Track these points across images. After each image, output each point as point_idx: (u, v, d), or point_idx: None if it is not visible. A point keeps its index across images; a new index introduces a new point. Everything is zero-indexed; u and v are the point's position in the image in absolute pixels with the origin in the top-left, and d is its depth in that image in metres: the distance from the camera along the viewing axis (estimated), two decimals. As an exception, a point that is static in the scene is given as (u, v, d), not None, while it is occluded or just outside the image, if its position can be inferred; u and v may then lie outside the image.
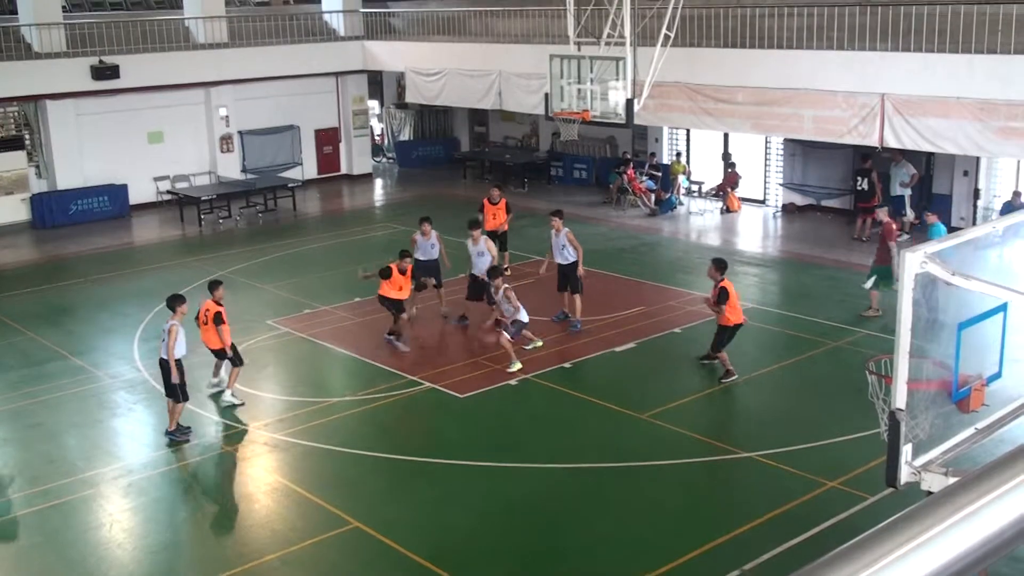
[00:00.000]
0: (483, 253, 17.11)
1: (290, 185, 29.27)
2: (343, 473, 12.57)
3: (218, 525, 11.35)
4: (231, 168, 30.93)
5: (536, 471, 12.32)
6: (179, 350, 13.35)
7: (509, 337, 15.18)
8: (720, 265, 14.88)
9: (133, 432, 14.24)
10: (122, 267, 23.38)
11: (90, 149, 28.55)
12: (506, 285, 15.27)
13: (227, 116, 30.82)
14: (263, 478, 12.53)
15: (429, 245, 17.94)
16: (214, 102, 30.55)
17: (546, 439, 13.25)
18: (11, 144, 28.14)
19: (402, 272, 16.48)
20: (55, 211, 28.01)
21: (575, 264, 17.00)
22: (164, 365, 13.42)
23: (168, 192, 29.40)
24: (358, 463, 12.69)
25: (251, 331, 17.70)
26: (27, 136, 28.65)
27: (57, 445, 13.62)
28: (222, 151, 30.88)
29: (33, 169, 28.45)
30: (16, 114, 28.79)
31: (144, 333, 18.10)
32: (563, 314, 17.50)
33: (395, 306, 16.53)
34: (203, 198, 27.72)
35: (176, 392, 13.37)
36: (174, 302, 13.72)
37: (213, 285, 14.86)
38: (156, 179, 29.77)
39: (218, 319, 14.31)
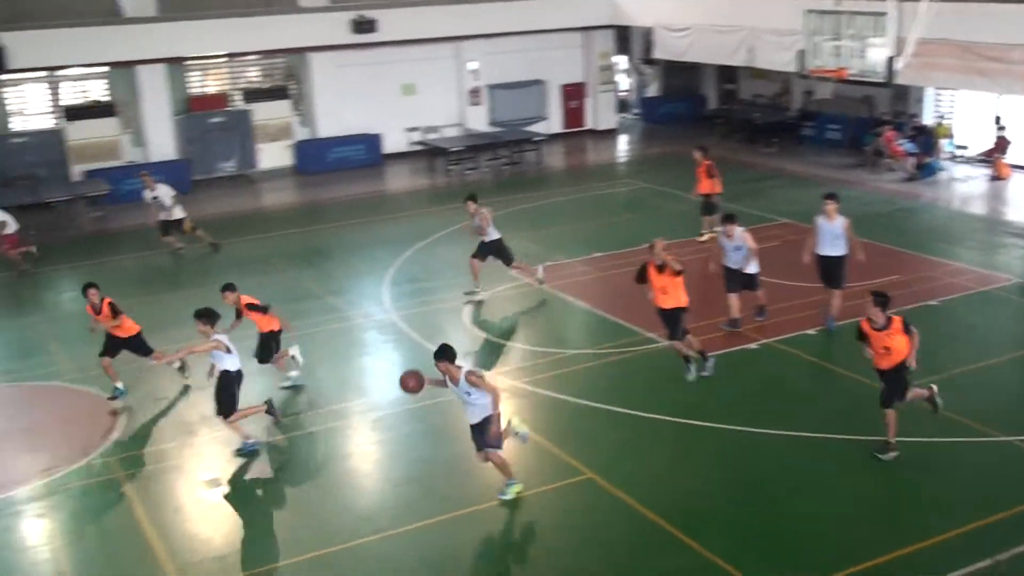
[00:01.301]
0: (740, 248, 14.76)
1: (535, 139, 29.62)
2: (578, 424, 12.66)
3: (457, 465, 11.70)
4: (479, 121, 31.60)
5: (773, 438, 11.98)
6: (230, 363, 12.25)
7: (494, 450, 10.66)
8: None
9: (382, 370, 14.88)
10: (374, 213, 24.41)
11: (348, 100, 29.86)
12: (468, 368, 10.39)
13: (476, 70, 31.46)
14: (501, 423, 12.80)
15: (733, 248, 14.85)
16: (464, 56, 31.26)
17: (785, 406, 12.85)
18: (277, 94, 29.85)
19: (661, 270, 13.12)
20: (315, 158, 29.57)
21: (842, 258, 14.81)
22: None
23: (419, 143, 30.37)
24: (593, 416, 12.76)
25: (494, 281, 18.07)
26: (292, 87, 30.29)
27: (311, 377, 14.42)
28: (471, 104, 31.59)
29: (297, 118, 30.10)
30: (283, 66, 30.45)
31: (394, 277, 18.85)
32: (831, 322, 15.09)
33: (671, 319, 13.32)
34: (451, 149, 28.50)
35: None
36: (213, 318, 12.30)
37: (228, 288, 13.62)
38: (408, 130, 30.81)
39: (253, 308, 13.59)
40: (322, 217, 24.72)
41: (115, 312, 13.78)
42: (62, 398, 14.20)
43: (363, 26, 28.40)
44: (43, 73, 27.48)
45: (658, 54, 30.73)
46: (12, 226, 20.63)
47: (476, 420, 10.47)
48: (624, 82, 37.41)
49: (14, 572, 10.02)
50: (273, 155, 29.57)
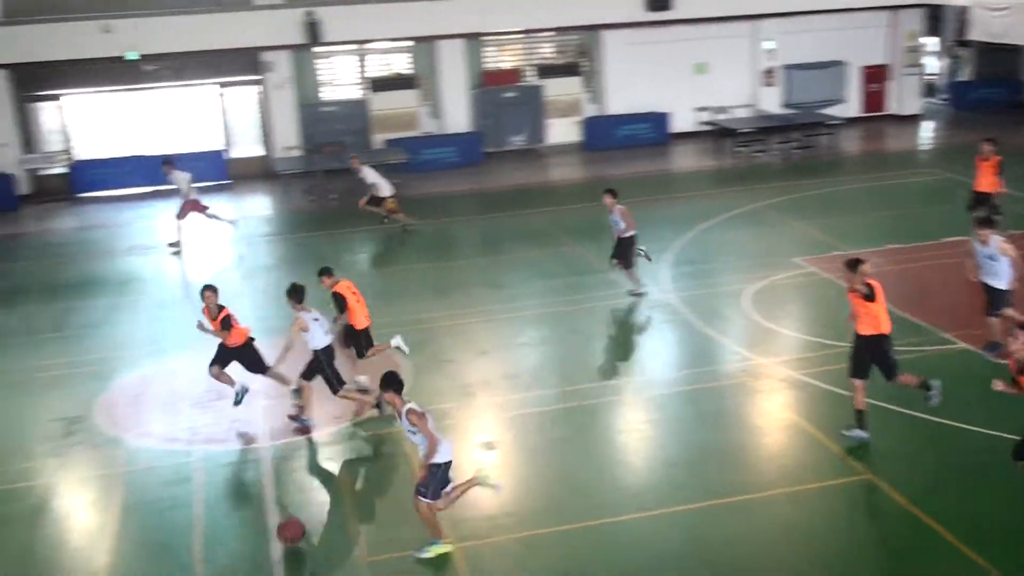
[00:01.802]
0: (994, 257, 12.94)
1: (831, 122, 28.42)
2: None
3: (730, 452, 11.47)
4: (771, 102, 30.71)
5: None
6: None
7: (427, 501, 9.56)
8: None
9: (659, 350, 14.82)
10: (658, 192, 24.29)
11: (638, 78, 29.82)
12: (411, 404, 9.55)
13: (772, 49, 30.54)
14: (777, 413, 12.44)
15: (986, 256, 13.11)
16: (760, 35, 30.42)
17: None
18: (569, 70, 30.26)
19: None
20: (603, 134, 29.78)
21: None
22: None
23: (707, 123, 29.90)
24: (877, 415, 12.12)
25: (775, 267, 17.54)
26: (583, 63, 30.60)
27: (591, 351, 14.59)
28: (764, 84, 30.73)
29: (587, 94, 30.40)
30: (576, 42, 30.80)
31: (674, 258, 18.69)
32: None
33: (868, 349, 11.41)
34: (741, 130, 27.86)
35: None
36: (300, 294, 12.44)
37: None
38: (697, 109, 30.39)
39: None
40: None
41: (226, 325, 12.70)
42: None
43: (658, 4, 28.27)
44: (353, 46, 29.19)
45: (974, 35, 28.67)
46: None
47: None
48: (932, 65, 35.18)
49: (303, 506, 10.77)
50: (561, 131, 30.05)
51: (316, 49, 28.33)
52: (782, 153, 27.72)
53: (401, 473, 11.33)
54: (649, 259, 17.07)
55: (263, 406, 13.19)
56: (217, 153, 28.25)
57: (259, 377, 13.04)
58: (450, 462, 9.60)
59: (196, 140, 28.68)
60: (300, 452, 12.03)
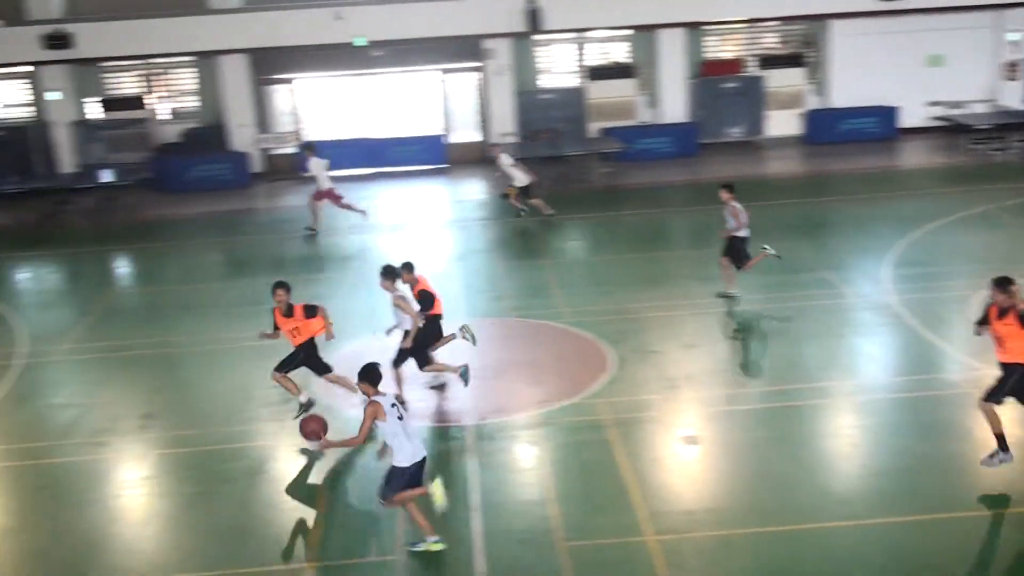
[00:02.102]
0: None
1: (1081, 120, 26.46)
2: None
3: (947, 464, 10.85)
4: (1013, 97, 28.82)
5: None
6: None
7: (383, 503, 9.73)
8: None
9: (875, 353, 14.19)
10: (883, 189, 23.27)
11: (866, 70, 28.62)
12: (377, 398, 9.42)
13: (1017, 41, 28.64)
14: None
15: None
16: (1005, 26, 28.58)
17: None
18: (792, 61, 29.36)
19: None
20: (826, 128, 28.79)
21: None
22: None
23: (940, 118, 28.36)
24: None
25: (1008, 274, 16.43)
26: (808, 54, 29.61)
27: (801, 351, 14.13)
28: (1006, 78, 28.88)
29: (810, 86, 29.43)
30: (801, 32, 29.84)
31: (897, 258, 17.85)
32: None
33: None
34: (977, 126, 26.29)
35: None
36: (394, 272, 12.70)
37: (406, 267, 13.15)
38: (929, 104, 28.88)
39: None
40: (827, 189, 24.03)
41: (310, 312, 12.41)
42: (561, 338, 15.15)
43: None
44: (572, 35, 29.32)
45: None
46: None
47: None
48: None
49: (504, 486, 10.91)
50: (782, 123, 29.23)
51: (536, 37, 28.64)
52: (1023, 152, 25.98)
53: (603, 461, 11.30)
54: (779, 257, 16.39)
55: (470, 386, 13.45)
56: (436, 138, 29.03)
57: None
58: (416, 464, 9.42)
59: (417, 124, 29.58)
60: (504, 432, 12.20)
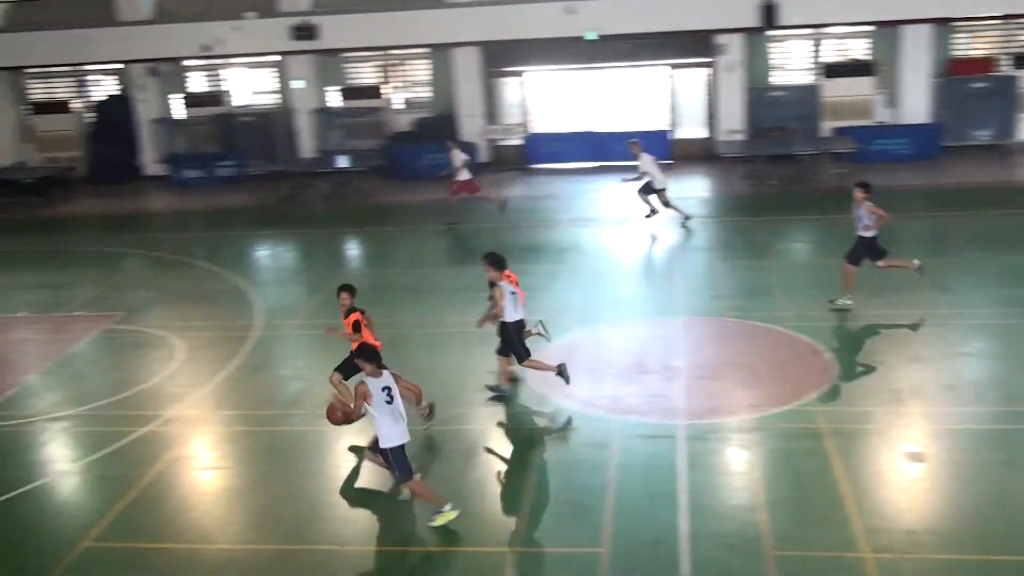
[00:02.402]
0: None
1: None
2: None
3: None
4: None
5: None
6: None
7: (407, 484, 10.40)
8: None
9: None
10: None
11: None
12: (368, 380, 9.85)
13: None
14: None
15: None
16: None
17: None
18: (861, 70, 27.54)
19: None
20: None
21: None
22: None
23: None
24: None
25: None
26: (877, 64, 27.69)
27: (1006, 369, 13.18)
28: None
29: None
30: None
31: None
32: None
33: None
34: None
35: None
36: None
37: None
38: None
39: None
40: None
41: (356, 329, 12.20)
42: (780, 341, 14.71)
43: None
44: (809, 30, 28.37)
45: None
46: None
47: None
48: None
49: (713, 488, 10.69)
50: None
51: (770, 33, 27.89)
52: None
53: (819, 471, 10.88)
54: (921, 272, 15.50)
55: (683, 385, 13.27)
56: (662, 133, 28.78)
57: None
58: (403, 445, 10.04)
59: (642, 119, 29.41)
60: (716, 435, 11.95)
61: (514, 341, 12.87)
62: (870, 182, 15.62)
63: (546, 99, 30.48)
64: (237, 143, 30.06)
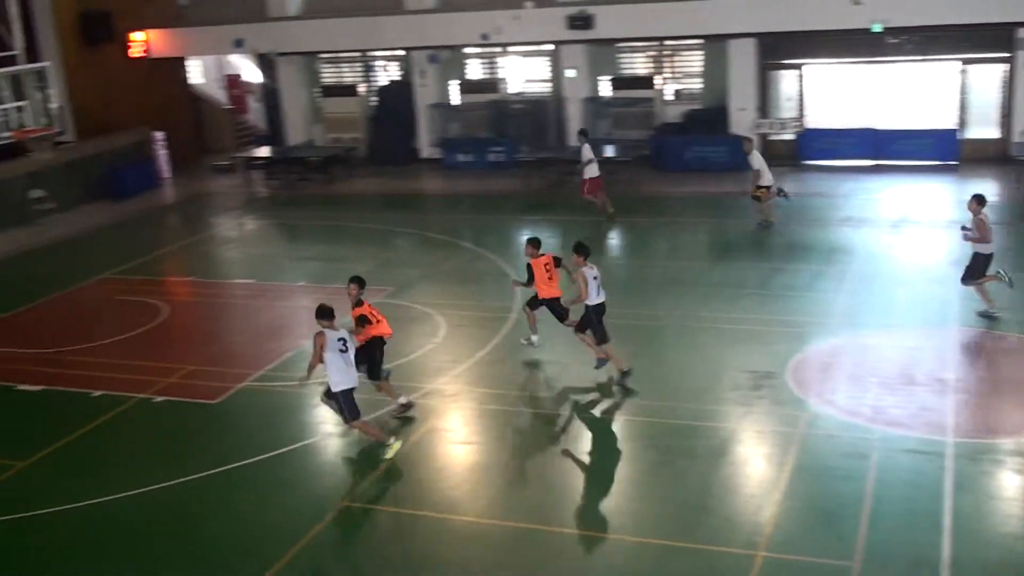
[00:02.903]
0: None
1: None
2: None
3: None
4: None
5: None
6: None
7: (355, 423, 12.07)
8: None
9: None
10: None
11: None
12: (327, 331, 11.60)
13: None
14: None
15: None
16: None
17: None
18: None
19: None
20: None
21: None
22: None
23: None
24: None
25: None
26: None
27: None
28: None
29: None
30: None
31: None
32: None
33: None
34: None
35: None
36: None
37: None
38: None
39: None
40: None
41: (362, 322, 12.41)
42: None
43: None
44: None
45: None
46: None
47: None
48: None
49: (981, 513, 9.95)
50: None
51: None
52: None
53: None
54: (1011, 285, 14.57)
55: (954, 400, 12.43)
56: (950, 132, 27.02)
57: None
58: (351, 388, 11.69)
59: (927, 117, 27.72)
60: (989, 456, 11.11)
61: (594, 322, 13.49)
62: (982, 195, 15.09)
63: (824, 93, 29.30)
64: (508, 129, 30.78)
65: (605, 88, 30.85)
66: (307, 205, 27.19)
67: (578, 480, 11.49)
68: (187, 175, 31.22)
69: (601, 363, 13.68)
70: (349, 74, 33.96)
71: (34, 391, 14.80)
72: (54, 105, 21.12)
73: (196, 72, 35.20)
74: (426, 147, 31.77)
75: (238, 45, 31.10)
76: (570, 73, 30.41)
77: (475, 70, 32.64)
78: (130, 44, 31.43)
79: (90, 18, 29.75)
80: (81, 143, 28.50)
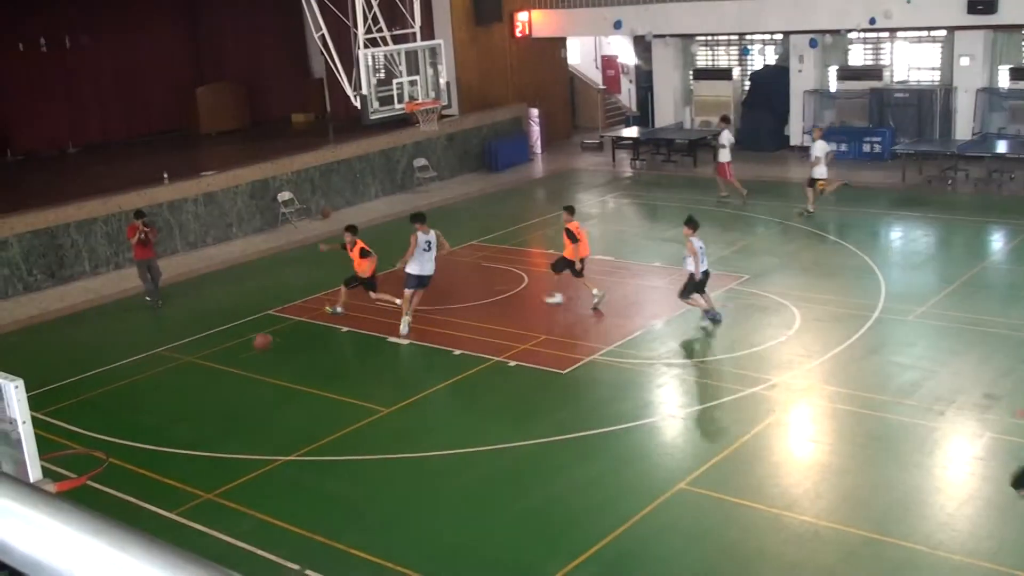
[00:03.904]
0: None
1: None
2: None
3: None
4: None
5: None
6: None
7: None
8: None
9: None
10: None
11: None
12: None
13: None
14: None
15: None
16: None
17: None
18: None
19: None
20: None
21: None
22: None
23: None
24: None
25: None
26: None
27: None
28: None
29: None
30: None
31: None
32: None
33: None
34: None
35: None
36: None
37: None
38: None
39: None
40: None
41: (363, 255, 16.88)
42: None
43: None
44: None
45: None
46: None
47: None
48: None
49: None
50: None
51: None
52: None
53: None
54: None
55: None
56: None
57: None
58: (419, 276, 16.11)
59: None
60: None
61: (692, 286, 15.45)
62: None
63: None
64: (887, 119, 29.09)
65: (1003, 78, 28.34)
66: (670, 187, 27.23)
67: (932, 495, 10.67)
68: (557, 151, 32.28)
69: (708, 313, 15.69)
70: (724, 57, 33.56)
71: (402, 344, 15.92)
72: (443, 80, 22.49)
73: (572, 52, 36.23)
74: (797, 134, 30.78)
75: (617, 26, 31.61)
76: (964, 61, 28.22)
77: (857, 56, 31.12)
78: (515, 24, 32.87)
79: (483, -1, 31.46)
80: (463, 117, 30.23)
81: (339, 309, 17.20)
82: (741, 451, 11.65)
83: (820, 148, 22.15)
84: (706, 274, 15.60)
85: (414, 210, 18.85)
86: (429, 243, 16.06)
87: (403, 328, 16.12)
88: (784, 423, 12.49)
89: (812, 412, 12.78)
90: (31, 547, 1.13)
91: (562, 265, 17.10)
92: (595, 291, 16.80)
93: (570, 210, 17.33)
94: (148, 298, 18.85)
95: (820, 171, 22.00)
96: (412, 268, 15.99)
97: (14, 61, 28.33)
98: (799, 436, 12.31)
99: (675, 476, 11.25)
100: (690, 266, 15.48)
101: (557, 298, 17.22)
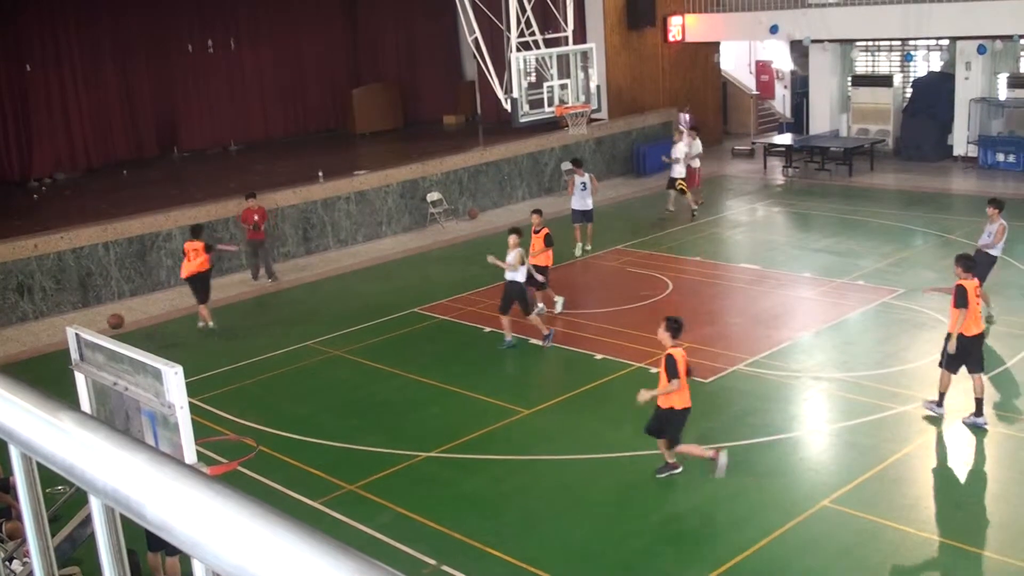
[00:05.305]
0: None
1: None
2: None
3: None
4: None
5: None
6: None
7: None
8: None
9: None
10: None
11: None
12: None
13: None
14: None
15: None
16: None
17: None
18: None
19: None
20: None
21: None
22: None
23: None
24: None
25: None
26: None
27: None
28: None
29: None
30: None
31: None
32: None
33: None
34: None
35: None
36: None
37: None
38: None
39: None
40: None
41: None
42: None
43: None
44: None
45: None
46: None
47: None
48: None
49: None
50: None
51: None
52: None
53: None
54: None
55: None
56: None
57: None
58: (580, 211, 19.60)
59: None
60: None
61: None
62: None
63: None
64: (1060, 130, 27.68)
65: None
66: (823, 196, 26.52)
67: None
68: (707, 157, 31.83)
69: None
70: (885, 63, 32.50)
71: (545, 348, 15.96)
72: (593, 85, 22.49)
73: (726, 57, 35.70)
74: (961, 144, 29.55)
75: (773, 31, 30.99)
76: None
77: (1029, 63, 29.71)
78: (668, 28, 32.58)
79: (636, 3, 31.24)
80: (612, 121, 30.14)
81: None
82: (889, 470, 11.25)
83: (679, 150, 23.70)
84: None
85: (569, 166, 22.28)
86: (584, 184, 20.42)
87: (558, 307, 17.36)
88: (937, 444, 12.01)
89: (967, 434, 12.24)
90: (192, 528, 1.18)
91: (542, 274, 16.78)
92: (543, 306, 17.17)
93: (539, 212, 17.54)
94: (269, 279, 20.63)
95: (679, 171, 23.57)
96: (574, 204, 20.70)
97: (184, 62, 29.70)
98: (953, 459, 11.81)
99: (819, 493, 10.95)
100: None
101: (558, 305, 17.43)
